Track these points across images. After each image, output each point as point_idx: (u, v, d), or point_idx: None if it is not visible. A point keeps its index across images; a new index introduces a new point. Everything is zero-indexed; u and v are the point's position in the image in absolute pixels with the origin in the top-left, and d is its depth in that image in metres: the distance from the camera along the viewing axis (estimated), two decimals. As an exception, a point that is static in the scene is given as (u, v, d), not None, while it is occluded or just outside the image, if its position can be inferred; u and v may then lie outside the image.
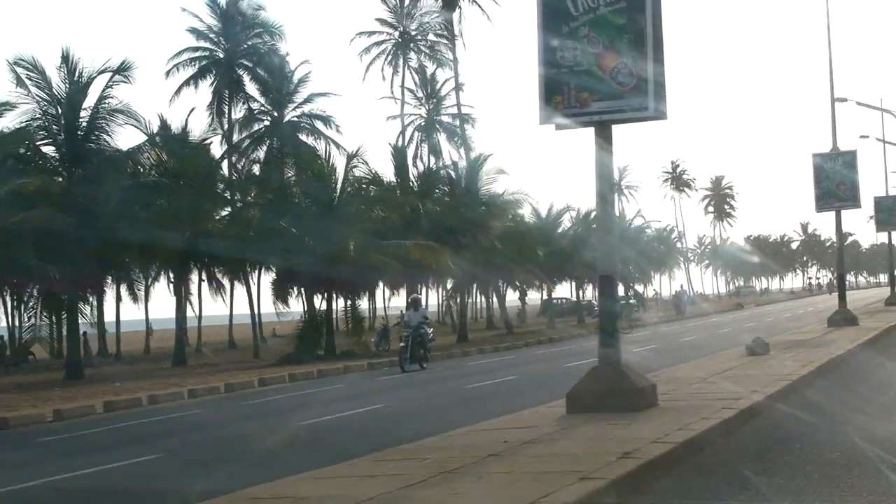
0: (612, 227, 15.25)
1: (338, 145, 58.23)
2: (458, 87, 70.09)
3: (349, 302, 44.89)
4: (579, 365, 26.94)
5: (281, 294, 44.13)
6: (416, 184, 53.42)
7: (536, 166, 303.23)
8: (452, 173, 57.76)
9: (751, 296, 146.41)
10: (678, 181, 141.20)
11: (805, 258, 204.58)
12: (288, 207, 43.80)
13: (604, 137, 14.00)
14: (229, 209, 46.85)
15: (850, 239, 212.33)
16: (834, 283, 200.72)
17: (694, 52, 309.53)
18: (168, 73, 56.88)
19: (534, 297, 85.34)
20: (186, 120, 45.66)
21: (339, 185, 44.02)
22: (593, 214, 74.39)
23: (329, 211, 42.49)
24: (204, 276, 48.99)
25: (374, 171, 48.02)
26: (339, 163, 45.38)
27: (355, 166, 44.53)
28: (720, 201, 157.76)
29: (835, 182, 35.97)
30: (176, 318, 44.92)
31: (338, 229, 41.76)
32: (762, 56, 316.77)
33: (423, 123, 75.27)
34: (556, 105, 13.85)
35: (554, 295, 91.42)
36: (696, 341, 36.02)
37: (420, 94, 75.23)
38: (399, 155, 52.39)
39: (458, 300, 57.36)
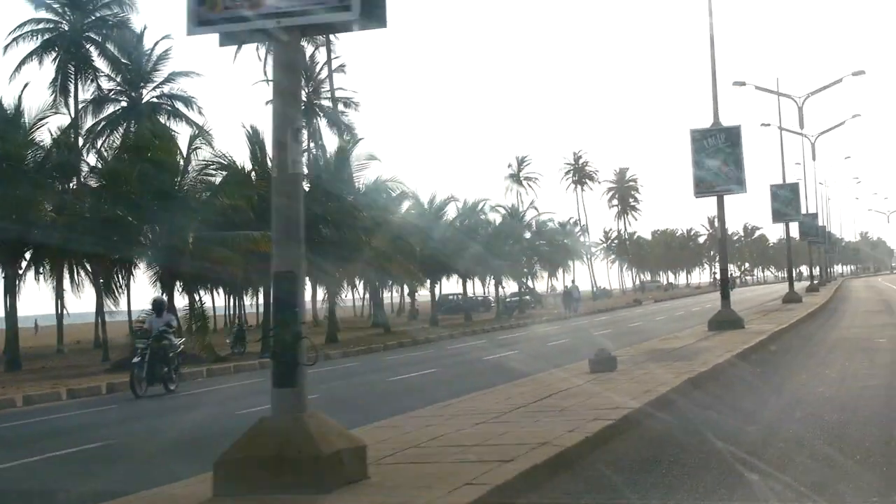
0: (294, 192, 9.37)
1: (201, 129, 54.21)
2: (330, 65, 65.98)
3: (191, 299, 40.14)
4: (405, 379, 23.24)
5: (110, 289, 39.40)
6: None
7: (425, 156, 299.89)
8: (320, 159, 53.47)
9: (655, 291, 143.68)
10: (580, 173, 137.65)
11: (712, 252, 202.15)
12: (124, 195, 39.01)
13: (289, 50, 9.74)
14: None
15: (757, 233, 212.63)
16: (743, 277, 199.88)
17: (604, 43, 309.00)
18: (6, 47, 51.69)
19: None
20: (20, 98, 40.87)
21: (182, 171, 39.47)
22: (481, 205, 71.12)
23: (169, 199, 37.84)
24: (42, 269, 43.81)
25: (224, 155, 43.50)
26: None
27: (197, 148, 39.85)
28: (624, 194, 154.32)
29: (717, 162, 30.96)
30: (6, 315, 40.28)
31: (177, 219, 37.28)
32: (667, 49, 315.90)
33: (302, 108, 70.25)
34: (212, 3, 9.36)
35: (448, 291, 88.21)
36: (564, 346, 32.07)
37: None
38: (255, 138, 47.46)
39: (328, 297, 52.83)
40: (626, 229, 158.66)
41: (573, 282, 74.48)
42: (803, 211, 67.45)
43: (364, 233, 48.17)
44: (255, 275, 43.66)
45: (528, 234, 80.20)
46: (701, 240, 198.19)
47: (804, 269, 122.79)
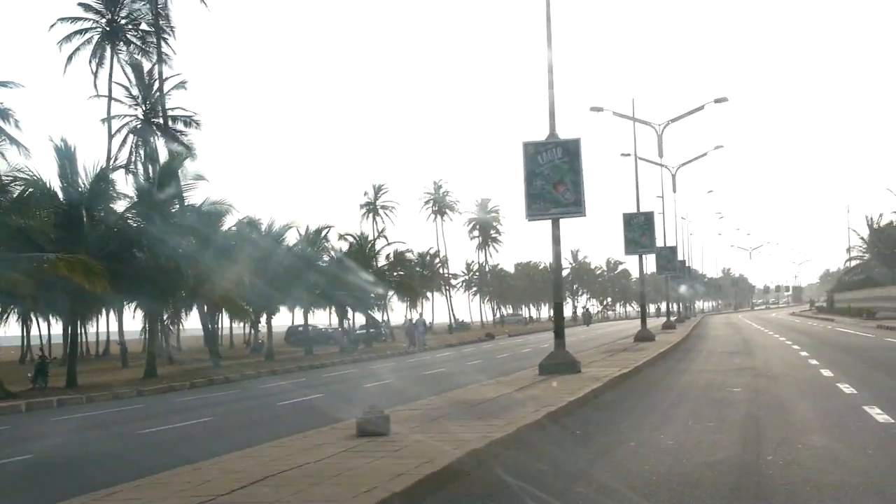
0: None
1: (19, 144, 49.68)
2: (161, 80, 61.31)
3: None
4: (158, 433, 18.83)
5: None
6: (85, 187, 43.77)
7: (278, 184, 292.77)
8: (141, 177, 48.72)
9: (516, 324, 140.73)
10: (441, 203, 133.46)
11: (576, 286, 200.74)
12: None
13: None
14: None
15: (620, 267, 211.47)
16: (605, 312, 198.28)
17: (465, 74, 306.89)
18: None
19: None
20: None
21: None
22: (325, 232, 66.60)
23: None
24: None
25: (23, 169, 38.98)
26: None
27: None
28: (486, 225, 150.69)
29: (552, 181, 26.38)
30: None
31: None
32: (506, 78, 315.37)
33: (138, 126, 65.07)
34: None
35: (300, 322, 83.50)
36: (384, 387, 28.47)
37: (136, 93, 65.03)
38: (64, 154, 42.23)
39: (148, 326, 47.78)
40: (486, 261, 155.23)
41: (420, 315, 70.14)
42: (660, 243, 65.62)
43: (185, 259, 43.50)
44: (53, 301, 39.33)
45: (380, 263, 75.85)
46: (564, 273, 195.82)
47: (664, 305, 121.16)
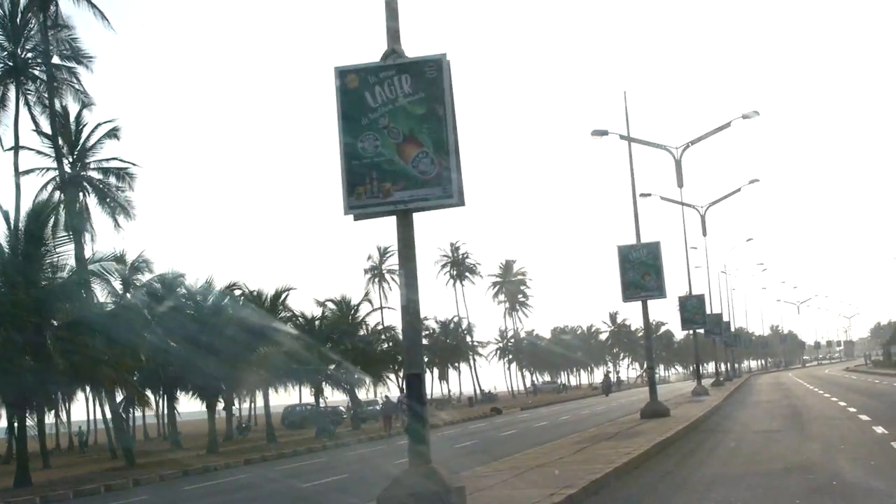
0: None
1: None
2: (78, 125, 51.62)
3: None
4: None
5: None
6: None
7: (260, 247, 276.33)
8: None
9: (549, 392, 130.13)
10: (460, 266, 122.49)
11: (616, 350, 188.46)
12: None
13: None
14: None
15: (662, 329, 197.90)
16: (643, 376, 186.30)
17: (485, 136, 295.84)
18: None
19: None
20: None
21: None
22: (284, 296, 56.23)
23: None
24: None
25: None
26: None
27: None
28: (513, 290, 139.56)
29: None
30: None
31: None
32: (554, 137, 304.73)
33: (65, 180, 55.00)
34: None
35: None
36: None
37: (60, 143, 54.83)
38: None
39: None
40: (515, 327, 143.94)
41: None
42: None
43: (54, 332, 33.73)
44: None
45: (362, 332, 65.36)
46: (602, 337, 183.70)
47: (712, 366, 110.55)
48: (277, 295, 53.37)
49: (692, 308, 60.34)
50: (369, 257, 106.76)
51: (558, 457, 18.83)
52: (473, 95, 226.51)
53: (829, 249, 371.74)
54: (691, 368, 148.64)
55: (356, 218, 13.95)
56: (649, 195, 58.20)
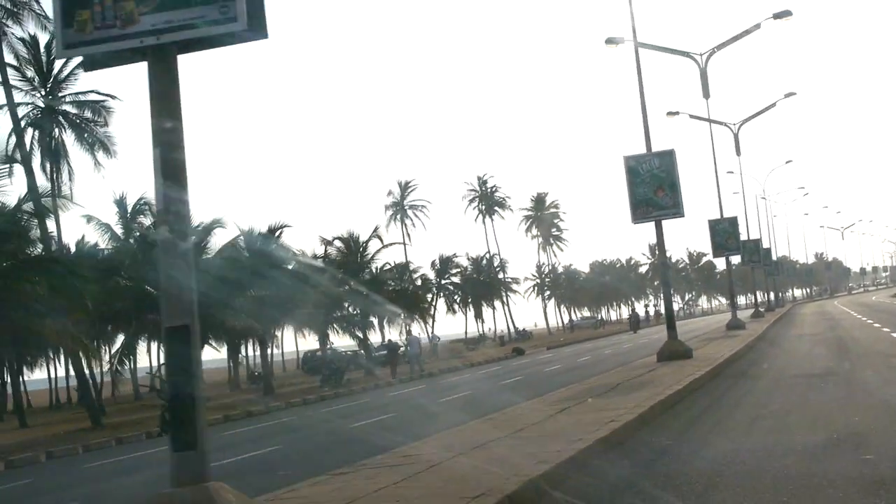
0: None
1: None
2: (49, 51, 47.01)
3: None
4: None
5: None
6: None
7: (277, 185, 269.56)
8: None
9: (587, 328, 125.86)
10: (489, 200, 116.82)
11: (656, 282, 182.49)
12: None
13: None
14: None
15: (703, 259, 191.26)
16: (688, 307, 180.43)
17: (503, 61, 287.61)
18: None
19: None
20: None
21: None
22: (278, 232, 51.68)
23: None
24: None
25: None
26: None
27: None
28: (547, 223, 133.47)
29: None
30: None
31: None
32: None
33: (38, 115, 50.65)
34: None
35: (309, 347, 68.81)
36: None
37: (31, 74, 50.42)
38: None
39: None
40: (550, 262, 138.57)
41: (409, 332, 54.50)
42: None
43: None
44: None
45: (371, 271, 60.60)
46: (643, 269, 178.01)
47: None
48: (272, 231, 48.89)
49: (724, 232, 55.55)
50: (390, 192, 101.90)
51: (515, 429, 13.98)
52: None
53: (873, 169, 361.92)
54: (743, 298, 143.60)
55: (85, 68, 9.36)
56: (677, 113, 54.49)
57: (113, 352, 45.56)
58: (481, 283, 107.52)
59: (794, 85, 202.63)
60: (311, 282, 46.43)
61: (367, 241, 58.73)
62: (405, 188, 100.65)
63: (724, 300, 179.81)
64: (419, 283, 79.84)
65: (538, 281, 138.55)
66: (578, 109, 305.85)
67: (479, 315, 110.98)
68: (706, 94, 48.11)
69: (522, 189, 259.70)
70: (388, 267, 61.30)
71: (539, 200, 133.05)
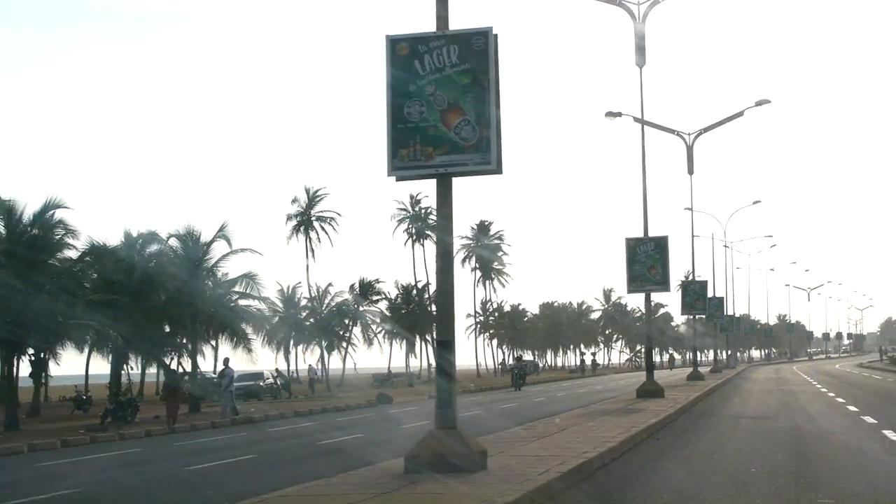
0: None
1: None
2: None
3: None
4: None
5: None
6: None
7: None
8: None
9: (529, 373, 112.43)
10: (419, 222, 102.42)
11: (609, 331, 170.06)
12: None
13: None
14: None
15: (661, 311, 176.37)
16: (637, 358, 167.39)
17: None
18: None
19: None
20: None
21: None
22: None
23: None
24: None
25: None
26: None
27: None
28: (487, 256, 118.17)
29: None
30: None
31: None
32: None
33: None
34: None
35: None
36: None
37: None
38: None
39: None
40: (489, 297, 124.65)
41: (226, 362, 41.55)
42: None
43: None
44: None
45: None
46: (594, 316, 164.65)
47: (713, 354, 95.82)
48: (42, 211, 36.37)
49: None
50: (294, 200, 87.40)
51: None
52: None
53: (843, 239, 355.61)
54: (689, 356, 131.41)
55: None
56: (619, 115, 48.99)
57: None
58: (410, 314, 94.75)
59: (774, 161, 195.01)
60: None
61: (210, 241, 45.70)
62: (313, 197, 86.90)
63: (676, 355, 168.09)
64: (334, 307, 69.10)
65: (482, 318, 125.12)
66: (553, 163, 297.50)
67: (411, 350, 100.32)
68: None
69: (463, 216, 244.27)
70: (232, 278, 47.90)
71: (482, 228, 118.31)
